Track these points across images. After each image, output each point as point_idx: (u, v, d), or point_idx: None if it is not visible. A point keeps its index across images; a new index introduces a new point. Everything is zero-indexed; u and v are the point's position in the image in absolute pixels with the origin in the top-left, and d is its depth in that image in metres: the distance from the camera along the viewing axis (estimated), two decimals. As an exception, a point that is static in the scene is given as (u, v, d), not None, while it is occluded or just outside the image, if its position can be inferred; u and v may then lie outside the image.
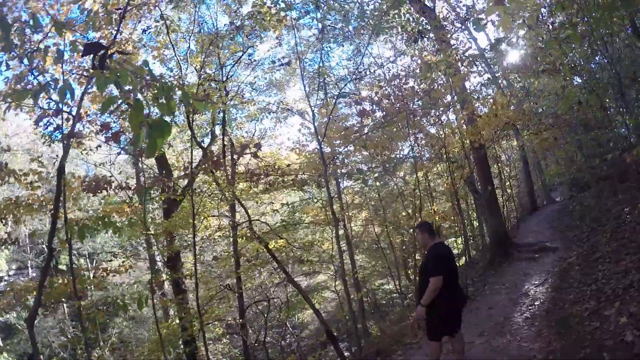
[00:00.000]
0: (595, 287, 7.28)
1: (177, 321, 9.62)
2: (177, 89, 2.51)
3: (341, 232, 12.29)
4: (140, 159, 10.10)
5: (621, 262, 7.59)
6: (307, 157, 10.05)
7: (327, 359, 14.36)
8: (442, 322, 5.28)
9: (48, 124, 5.83)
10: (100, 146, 7.90)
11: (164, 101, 2.43)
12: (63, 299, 9.01)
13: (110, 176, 7.51)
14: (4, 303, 9.24)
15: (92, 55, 3.13)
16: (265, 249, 8.85)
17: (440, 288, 5.10)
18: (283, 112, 10.06)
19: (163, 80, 2.51)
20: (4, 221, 7.68)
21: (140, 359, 11.58)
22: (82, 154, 9.21)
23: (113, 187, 7.48)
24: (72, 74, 7.98)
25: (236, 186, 9.52)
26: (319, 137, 7.61)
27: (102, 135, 7.25)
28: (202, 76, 8.62)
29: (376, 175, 12.19)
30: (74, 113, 5.81)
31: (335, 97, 9.33)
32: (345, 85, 9.50)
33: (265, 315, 11.79)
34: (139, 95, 2.39)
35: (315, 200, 11.56)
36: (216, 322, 11.75)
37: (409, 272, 14.69)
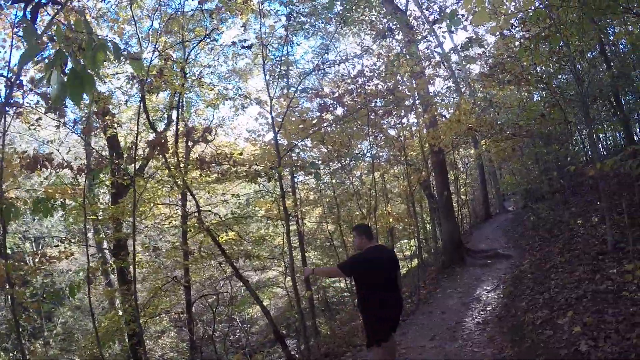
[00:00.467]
0: (548, 296, 7.37)
1: (120, 313, 9.17)
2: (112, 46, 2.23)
3: (294, 227, 12.16)
4: (87, 136, 9.56)
5: (574, 272, 7.71)
6: (262, 149, 9.79)
7: (275, 356, 14.19)
8: (375, 329, 5.10)
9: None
10: (40, 118, 7.34)
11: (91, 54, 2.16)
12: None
13: (51, 153, 7.01)
14: None
15: (23, 5, 2.81)
16: (213, 242, 8.55)
17: (372, 293, 5.03)
18: (241, 100, 9.78)
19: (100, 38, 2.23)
20: None
21: (86, 350, 11.04)
22: (29, 129, 8.63)
23: (54, 165, 6.97)
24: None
25: (188, 174, 9.16)
26: (275, 128, 7.38)
27: (42, 106, 6.70)
28: (158, 55, 8.18)
29: (331, 171, 12.09)
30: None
31: (296, 88, 9.11)
32: (308, 76, 9.30)
33: (214, 309, 11.48)
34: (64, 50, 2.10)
35: (269, 194, 11.32)
36: (162, 315, 11.33)
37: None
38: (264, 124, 9.78)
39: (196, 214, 8.62)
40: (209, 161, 8.25)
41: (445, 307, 9.64)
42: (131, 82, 8.48)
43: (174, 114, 10.90)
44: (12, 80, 5.04)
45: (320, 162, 10.13)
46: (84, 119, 8.79)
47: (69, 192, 7.27)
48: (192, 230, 9.08)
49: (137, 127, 7.26)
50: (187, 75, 9.12)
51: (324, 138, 8.94)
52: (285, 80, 9.76)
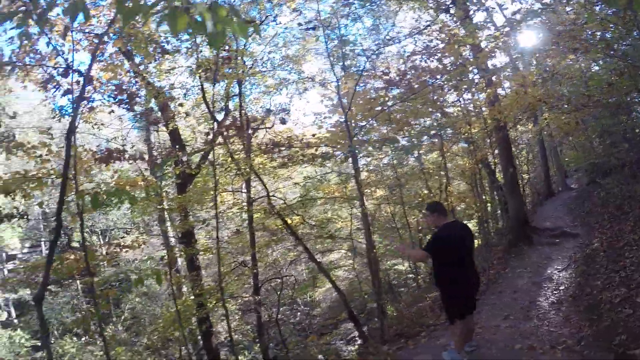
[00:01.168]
0: (624, 274, 7.10)
1: (192, 298, 9.46)
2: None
3: (354, 210, 12.11)
4: (154, 128, 9.83)
5: (649, 250, 7.37)
6: (329, 131, 9.69)
7: (340, 338, 14.33)
8: (455, 305, 5.12)
9: (57, 86, 5.55)
10: (113, 111, 7.60)
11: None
12: (76, 275, 8.86)
13: (123, 146, 7.25)
14: (15, 280, 9.14)
15: None
16: (284, 225, 8.63)
17: (450, 270, 5.00)
18: (303, 84, 9.71)
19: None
20: (11, 195, 7.47)
21: (154, 333, 11.52)
22: (93, 128, 8.96)
23: (127, 157, 7.22)
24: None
25: (253, 159, 9.25)
26: (344, 108, 7.30)
27: (115, 100, 6.93)
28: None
29: (396, 150, 11.86)
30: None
31: (363, 68, 8.88)
32: (372, 55, 9.07)
33: (278, 293, 11.65)
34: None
35: (335, 176, 11.25)
36: (229, 299, 11.63)
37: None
38: (329, 105, 9.69)
39: (263, 199, 8.71)
40: (280, 143, 8.29)
41: (515, 287, 9.38)
42: (196, 72, 8.58)
43: (230, 104, 11.02)
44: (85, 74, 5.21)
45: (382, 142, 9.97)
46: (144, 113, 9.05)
47: (140, 183, 7.50)
48: (262, 214, 9.21)
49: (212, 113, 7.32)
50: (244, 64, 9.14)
51: (390, 117, 8.74)
52: (348, 60, 9.58)
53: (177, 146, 9.56)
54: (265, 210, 9.01)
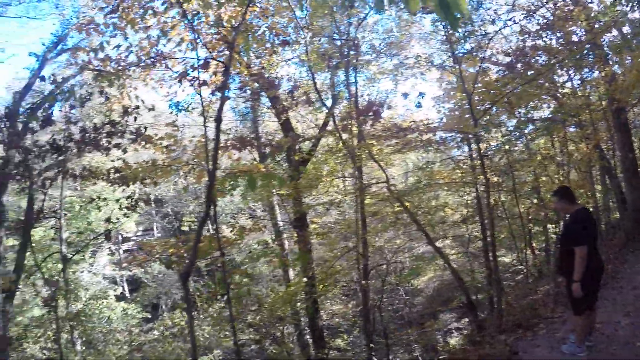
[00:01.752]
0: None
1: (305, 280, 9.86)
2: None
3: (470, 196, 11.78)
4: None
5: None
6: (446, 115, 9.58)
7: (437, 329, 14.21)
8: (586, 294, 4.88)
9: (194, 79, 6.02)
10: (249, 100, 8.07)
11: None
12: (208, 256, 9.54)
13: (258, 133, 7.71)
14: (140, 259, 10.01)
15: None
16: (404, 211, 8.70)
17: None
18: (420, 67, 9.67)
19: None
20: (145, 182, 8.20)
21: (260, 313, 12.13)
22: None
23: (259, 145, 7.69)
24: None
25: (372, 146, 9.38)
26: (467, 92, 7.18)
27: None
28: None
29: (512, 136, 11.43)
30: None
31: (484, 50, 8.61)
32: (492, 37, 8.77)
33: (383, 279, 11.77)
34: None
35: (446, 161, 11.10)
36: (336, 284, 11.96)
37: (534, 243, 13.84)
38: (448, 88, 9.55)
39: (376, 185, 8.85)
40: (405, 128, 8.37)
41: (636, 283, 8.78)
42: (316, 62, 8.84)
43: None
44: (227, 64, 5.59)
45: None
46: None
47: (262, 169, 7.92)
48: (372, 201, 9.35)
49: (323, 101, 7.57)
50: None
51: (509, 99, 8.45)
52: (466, 41, 9.36)
53: (288, 134, 9.96)
54: (380, 196, 9.12)
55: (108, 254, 20.69)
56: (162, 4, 7.26)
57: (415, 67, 10.23)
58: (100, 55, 7.17)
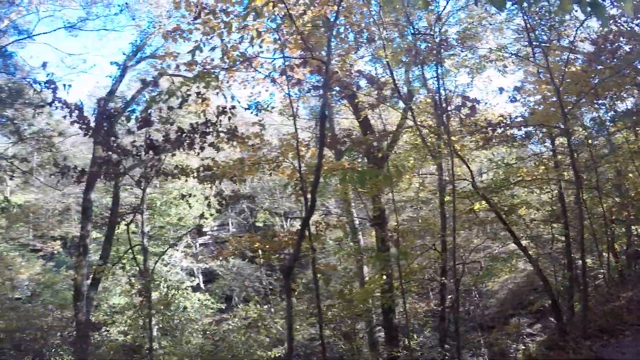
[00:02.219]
0: None
1: (384, 277, 9.79)
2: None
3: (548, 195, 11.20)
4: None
5: None
6: (531, 109, 9.14)
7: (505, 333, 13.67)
8: None
9: (289, 78, 6.07)
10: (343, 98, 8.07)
11: None
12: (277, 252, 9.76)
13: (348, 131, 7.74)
14: (225, 253, 10.33)
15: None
16: (492, 209, 8.43)
17: None
18: (502, 59, 9.27)
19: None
20: (233, 179, 8.42)
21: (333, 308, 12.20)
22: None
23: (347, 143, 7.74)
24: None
25: (455, 142, 9.14)
26: (556, 84, 6.78)
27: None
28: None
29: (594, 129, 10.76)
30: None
31: (572, 39, 8.15)
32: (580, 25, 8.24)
33: (459, 279, 11.44)
34: None
35: (538, 156, 10.60)
36: (412, 281, 11.80)
37: (615, 245, 12.99)
38: (532, 80, 9.12)
39: (460, 182, 8.62)
40: (496, 123, 8.09)
41: None
42: (394, 58, 8.71)
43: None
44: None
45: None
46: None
47: (346, 165, 7.92)
48: (450, 198, 9.08)
49: (402, 97, 7.44)
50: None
51: (597, 91, 7.93)
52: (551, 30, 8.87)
53: (367, 132, 9.89)
54: (461, 194, 8.88)
55: (185, 247, 21.65)
56: (244, 9, 7.40)
57: (498, 59, 9.81)
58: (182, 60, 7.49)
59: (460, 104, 6.35)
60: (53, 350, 13.11)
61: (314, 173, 4.93)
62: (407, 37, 10.91)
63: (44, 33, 13.19)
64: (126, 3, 15.47)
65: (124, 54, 15.94)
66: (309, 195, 6.36)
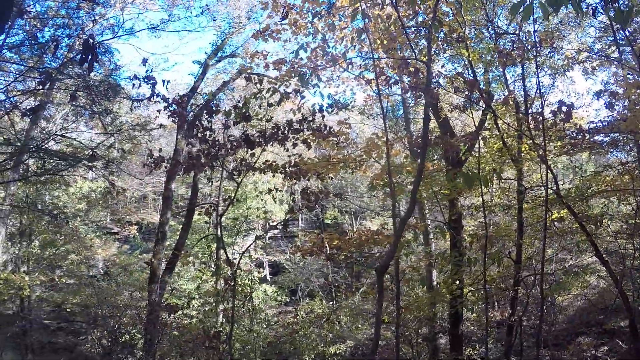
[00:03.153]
0: None
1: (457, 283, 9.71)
2: None
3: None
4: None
5: None
6: (620, 114, 8.73)
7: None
8: None
9: (388, 78, 6.23)
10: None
11: None
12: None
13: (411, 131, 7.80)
14: (305, 249, 10.60)
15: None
16: (573, 217, 8.21)
17: None
18: (591, 61, 8.89)
19: None
20: (320, 177, 8.63)
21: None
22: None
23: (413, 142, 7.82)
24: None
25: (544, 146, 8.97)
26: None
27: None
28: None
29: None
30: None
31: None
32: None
33: (529, 290, 11.12)
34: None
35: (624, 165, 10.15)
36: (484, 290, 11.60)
37: None
38: (620, 84, 8.74)
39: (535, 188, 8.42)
40: (587, 130, 7.90)
41: None
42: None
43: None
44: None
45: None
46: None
47: (429, 167, 7.97)
48: (531, 205, 8.91)
49: (483, 96, 7.37)
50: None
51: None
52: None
53: (447, 132, 9.86)
54: (537, 201, 8.67)
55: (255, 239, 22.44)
56: (328, 8, 7.63)
57: (586, 60, 9.45)
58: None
59: (555, 107, 6.22)
60: (125, 327, 13.87)
61: (416, 174, 5.04)
62: (486, 36, 10.79)
63: (130, 33, 14.07)
64: (207, 5, 16.21)
65: (205, 53, 16.80)
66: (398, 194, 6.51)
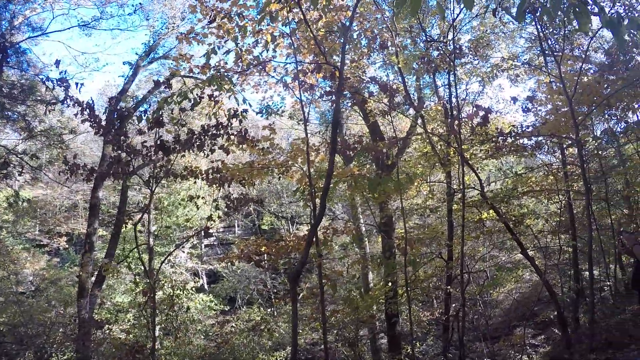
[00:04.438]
0: None
1: (389, 284, 9.76)
2: None
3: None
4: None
5: None
6: (543, 119, 9.09)
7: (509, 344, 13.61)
8: None
9: (303, 83, 6.10)
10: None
11: None
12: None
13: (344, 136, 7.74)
14: (234, 256, 10.33)
15: None
16: (499, 218, 8.42)
17: None
18: (515, 69, 9.23)
19: None
20: (242, 183, 8.42)
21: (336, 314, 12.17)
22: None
23: (348, 146, 7.75)
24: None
25: (466, 150, 9.15)
26: (568, 94, 6.76)
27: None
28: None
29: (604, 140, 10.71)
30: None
31: (585, 48, 8.10)
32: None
33: (464, 288, 11.38)
34: None
35: (547, 167, 10.57)
36: (417, 289, 11.78)
37: (623, 258, 12.98)
38: (544, 91, 9.10)
39: (467, 190, 8.59)
40: (507, 133, 8.08)
41: None
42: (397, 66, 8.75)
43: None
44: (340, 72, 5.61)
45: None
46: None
47: (355, 172, 7.91)
48: (459, 206, 9.08)
49: (412, 103, 7.44)
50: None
51: (610, 102, 7.90)
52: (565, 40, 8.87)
53: (377, 137, 9.89)
54: (469, 202, 8.87)
55: (190, 248, 21.75)
56: (258, 13, 7.44)
57: (511, 68, 9.79)
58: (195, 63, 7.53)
59: (472, 112, 6.33)
60: (55, 346, 13.13)
61: (325, 179, 4.93)
62: (419, 44, 10.96)
63: (58, 31, 13.39)
64: (140, 3, 15.62)
65: (136, 54, 16.13)
66: (317, 201, 6.38)
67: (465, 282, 11.13)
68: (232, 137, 7.03)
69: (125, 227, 8.38)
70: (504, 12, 6.62)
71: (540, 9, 3.61)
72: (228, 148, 7.14)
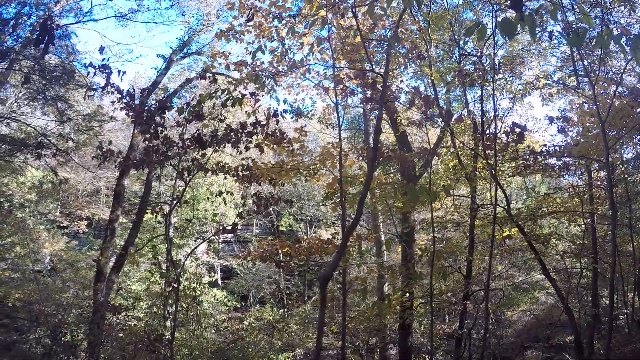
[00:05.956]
0: None
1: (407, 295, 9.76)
2: None
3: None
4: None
5: None
6: (573, 139, 9.01)
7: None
8: None
9: (345, 88, 6.18)
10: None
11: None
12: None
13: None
14: (255, 254, 10.43)
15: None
16: (523, 236, 8.39)
17: None
18: (549, 87, 9.19)
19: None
20: (272, 182, 8.50)
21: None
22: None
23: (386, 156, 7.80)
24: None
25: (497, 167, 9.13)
26: (601, 117, 6.73)
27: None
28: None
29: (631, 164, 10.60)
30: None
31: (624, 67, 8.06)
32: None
33: (479, 305, 11.34)
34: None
35: (573, 188, 10.47)
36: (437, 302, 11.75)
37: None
38: (575, 111, 9.08)
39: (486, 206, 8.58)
40: (539, 152, 8.07)
41: None
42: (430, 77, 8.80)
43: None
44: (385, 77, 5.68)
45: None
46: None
47: (383, 180, 7.97)
48: (482, 223, 9.07)
49: (443, 115, 7.47)
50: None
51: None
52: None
53: (404, 148, 9.93)
54: (488, 219, 8.84)
55: (208, 243, 21.90)
56: (295, 14, 7.57)
57: (544, 86, 9.77)
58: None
59: (507, 128, 6.35)
60: (66, 326, 13.29)
61: (364, 186, 4.99)
62: (453, 56, 10.98)
63: (97, 20, 13.62)
64: (177, -1, 15.88)
65: (170, 47, 16.36)
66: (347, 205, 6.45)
67: (483, 299, 11.09)
68: (269, 136, 7.13)
69: (156, 216, 8.48)
70: (558, 36, 6.64)
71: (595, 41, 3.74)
72: (262, 147, 7.24)
